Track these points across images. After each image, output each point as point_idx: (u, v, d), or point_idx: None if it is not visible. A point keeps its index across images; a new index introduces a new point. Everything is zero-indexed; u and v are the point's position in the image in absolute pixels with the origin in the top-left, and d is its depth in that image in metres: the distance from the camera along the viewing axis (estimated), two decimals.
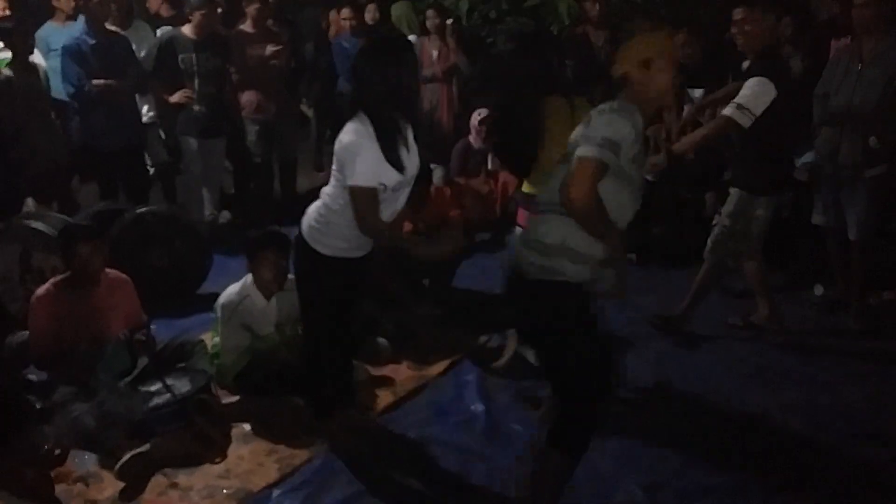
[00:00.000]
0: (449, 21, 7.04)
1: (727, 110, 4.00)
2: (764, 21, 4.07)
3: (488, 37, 7.49)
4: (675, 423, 3.81)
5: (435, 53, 7.00)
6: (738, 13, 4.14)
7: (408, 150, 3.11)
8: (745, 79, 4.06)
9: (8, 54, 5.67)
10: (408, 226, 5.07)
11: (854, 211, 4.60)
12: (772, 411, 3.87)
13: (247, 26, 6.34)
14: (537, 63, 3.64)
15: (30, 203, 5.96)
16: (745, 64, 4.34)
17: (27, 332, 3.94)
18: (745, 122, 3.96)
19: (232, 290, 3.97)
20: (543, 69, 3.62)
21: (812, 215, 4.90)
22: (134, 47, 6.07)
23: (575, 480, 3.37)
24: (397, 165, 3.03)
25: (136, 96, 6.10)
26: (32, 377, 3.90)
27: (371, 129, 2.99)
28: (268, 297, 3.95)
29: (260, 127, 6.38)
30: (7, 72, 5.56)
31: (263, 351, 3.96)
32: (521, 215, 3.76)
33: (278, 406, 3.84)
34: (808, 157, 5.68)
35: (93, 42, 5.67)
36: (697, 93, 6.19)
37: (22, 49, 5.64)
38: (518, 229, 3.73)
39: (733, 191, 4.41)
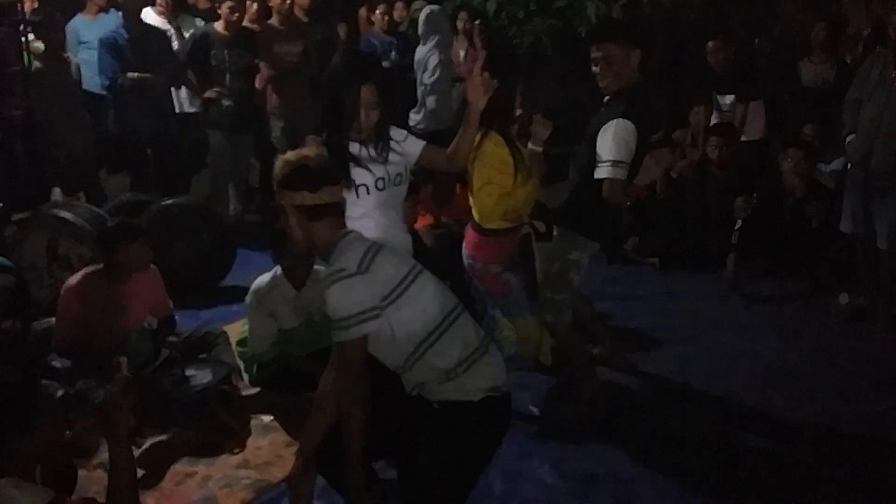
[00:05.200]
0: (476, 22, 7.06)
1: (602, 172, 3.41)
2: (630, 57, 3.49)
3: (515, 38, 7.47)
4: (695, 428, 3.78)
5: (462, 54, 7.02)
6: (595, 51, 3.53)
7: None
8: (606, 115, 3.52)
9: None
10: (429, 218, 5.03)
11: (885, 220, 4.50)
12: (795, 420, 3.83)
13: (273, 21, 6.35)
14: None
15: (57, 193, 6.03)
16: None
17: (53, 319, 3.98)
18: (622, 174, 3.43)
19: (263, 278, 3.99)
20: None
21: (840, 223, 4.83)
22: (175, 40, 6.16)
23: (595, 481, 3.37)
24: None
25: (172, 89, 6.16)
26: (56, 363, 3.92)
27: None
28: (297, 288, 3.95)
29: (284, 123, 6.35)
30: (38, 64, 5.62)
31: (290, 343, 3.97)
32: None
33: (298, 399, 3.84)
34: (836, 165, 5.63)
35: (128, 35, 5.73)
36: (727, 99, 6.16)
37: (53, 42, 5.70)
38: None
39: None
